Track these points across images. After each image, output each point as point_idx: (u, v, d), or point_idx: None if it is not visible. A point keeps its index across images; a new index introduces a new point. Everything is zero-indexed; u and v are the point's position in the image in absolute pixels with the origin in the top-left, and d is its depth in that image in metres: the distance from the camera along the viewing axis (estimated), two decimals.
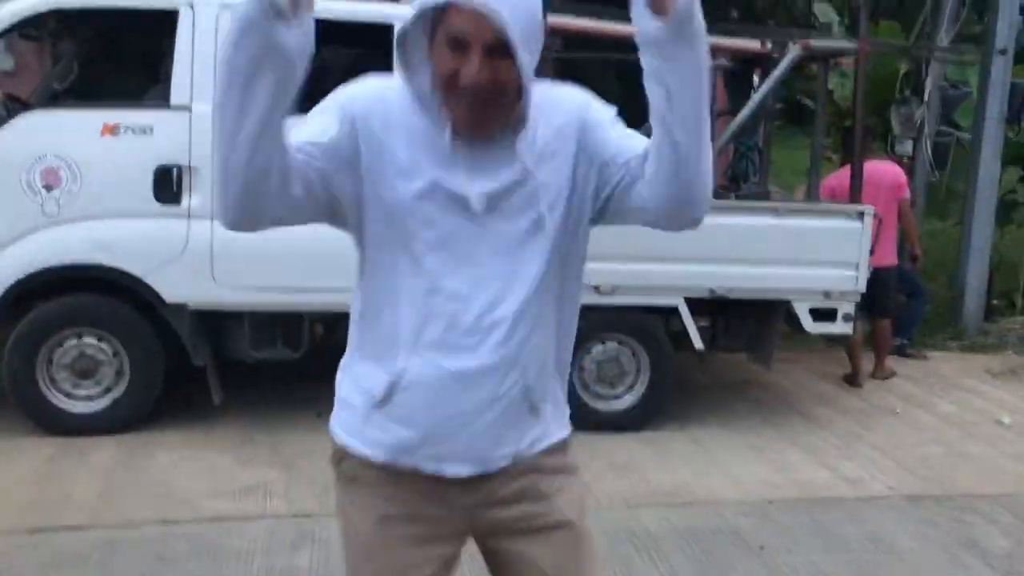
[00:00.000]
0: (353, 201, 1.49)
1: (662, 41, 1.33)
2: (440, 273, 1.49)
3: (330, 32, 4.96)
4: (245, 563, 3.42)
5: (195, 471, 4.23)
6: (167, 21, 4.48)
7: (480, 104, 1.42)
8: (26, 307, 4.57)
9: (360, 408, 1.57)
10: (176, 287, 4.51)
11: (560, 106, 1.54)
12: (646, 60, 1.38)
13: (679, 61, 1.35)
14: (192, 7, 4.47)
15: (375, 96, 1.51)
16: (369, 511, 1.60)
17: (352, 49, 5.86)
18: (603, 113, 1.56)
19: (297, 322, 4.73)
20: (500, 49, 1.37)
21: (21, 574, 3.27)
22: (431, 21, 1.42)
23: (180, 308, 4.53)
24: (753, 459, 4.75)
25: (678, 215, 1.48)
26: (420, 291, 1.49)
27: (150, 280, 4.48)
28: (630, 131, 1.55)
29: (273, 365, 5.05)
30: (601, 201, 1.55)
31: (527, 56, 1.39)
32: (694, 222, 1.49)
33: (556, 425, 1.66)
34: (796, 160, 11.66)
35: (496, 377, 1.51)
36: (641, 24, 1.34)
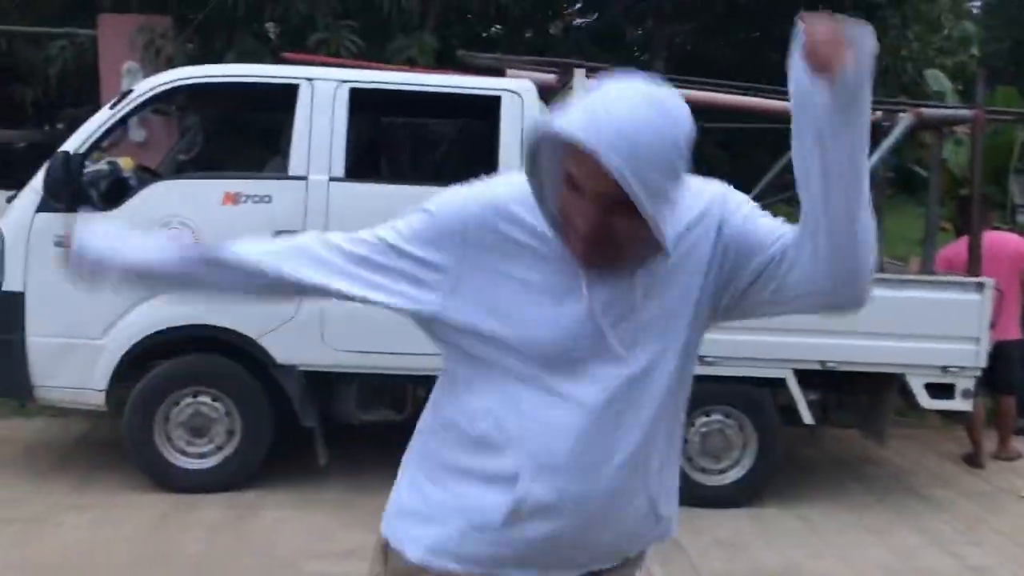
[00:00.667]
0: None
1: (825, 108, 1.19)
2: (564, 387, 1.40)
3: (429, 103, 5.15)
4: None
5: (298, 531, 4.29)
6: (287, 95, 4.70)
7: (599, 249, 1.29)
8: (147, 366, 4.77)
9: (458, 529, 1.43)
10: (287, 349, 4.64)
11: (698, 199, 1.40)
12: (802, 124, 1.24)
13: (841, 131, 1.21)
14: (311, 82, 4.68)
15: (484, 207, 1.40)
16: None
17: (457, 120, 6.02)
18: (744, 204, 1.44)
19: (402, 385, 4.80)
20: (621, 202, 1.21)
21: None
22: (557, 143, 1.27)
23: (291, 369, 4.66)
24: (869, 542, 4.52)
25: (843, 293, 1.33)
26: (541, 405, 1.38)
27: (263, 341, 4.63)
28: (772, 219, 1.43)
29: (375, 427, 5.12)
30: (738, 293, 1.42)
31: (658, 207, 1.22)
32: (859, 300, 1.34)
33: (674, 521, 1.57)
34: (909, 229, 11.32)
35: (625, 496, 1.43)
36: (799, 84, 1.22)
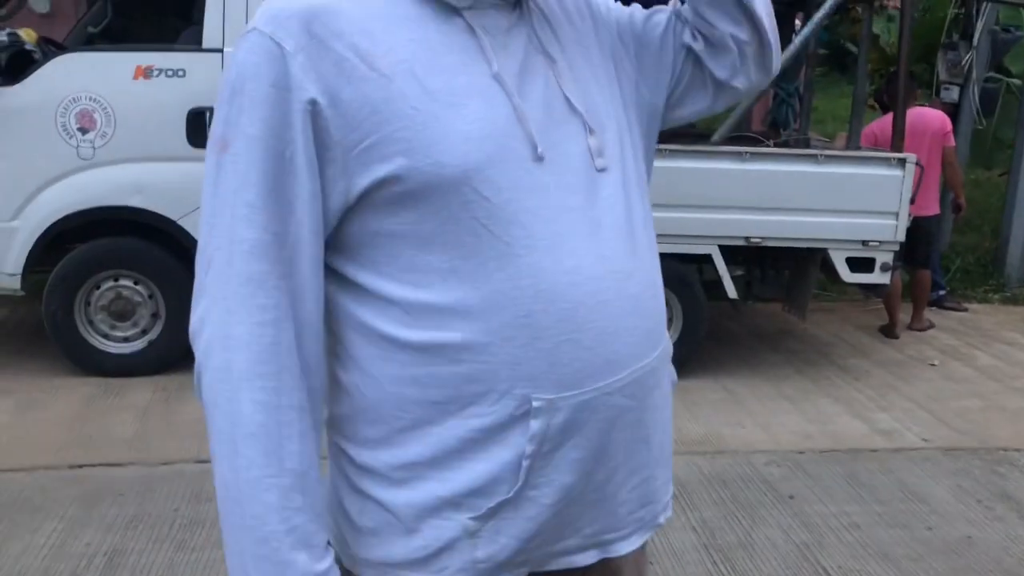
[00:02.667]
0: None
1: None
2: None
3: None
4: None
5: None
6: None
7: None
8: (63, 250, 4.63)
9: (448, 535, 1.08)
10: None
11: None
12: None
13: None
14: None
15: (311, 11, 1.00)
16: None
17: None
18: None
19: None
20: None
21: (62, 508, 3.35)
22: None
23: None
24: (785, 410, 4.72)
25: (753, 56, 1.24)
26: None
27: (184, 222, 4.51)
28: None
29: None
30: (669, 86, 1.25)
31: None
32: (770, 67, 1.26)
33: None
34: (839, 108, 11.43)
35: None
36: None
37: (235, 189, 0.99)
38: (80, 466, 3.70)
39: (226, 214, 1.00)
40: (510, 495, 1.06)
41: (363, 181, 1.01)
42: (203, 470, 3.69)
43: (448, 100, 1.01)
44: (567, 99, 1.10)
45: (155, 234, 4.57)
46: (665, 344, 1.20)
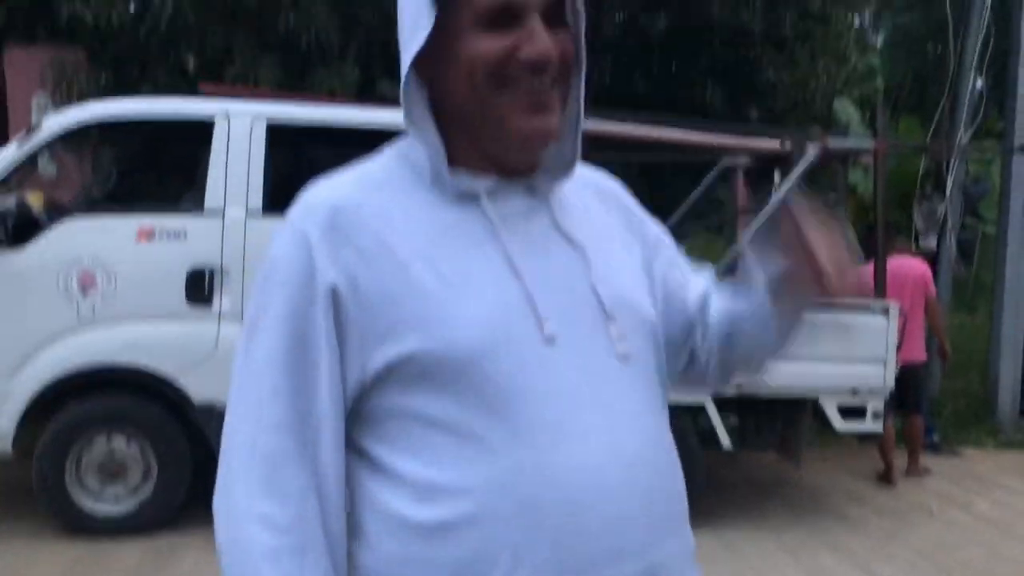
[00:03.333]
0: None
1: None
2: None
3: (350, 136, 5.14)
4: None
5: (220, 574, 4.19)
6: (204, 129, 4.66)
7: (546, 95, 1.06)
8: (58, 408, 4.63)
9: None
10: (205, 388, 4.55)
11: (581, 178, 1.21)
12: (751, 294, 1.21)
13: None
14: (228, 117, 4.65)
15: (344, 204, 1.08)
16: None
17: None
18: (649, 221, 1.29)
19: None
20: (557, 13, 1.06)
21: None
22: (442, 24, 1.04)
23: (209, 409, 4.57)
24: (786, 562, 4.63)
25: (719, 383, 1.33)
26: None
27: (181, 381, 4.54)
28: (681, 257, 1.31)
29: None
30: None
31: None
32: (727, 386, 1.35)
33: None
34: None
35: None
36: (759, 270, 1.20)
37: (261, 369, 1.05)
38: None
39: (252, 393, 1.05)
40: None
41: (378, 361, 1.05)
42: None
43: (460, 284, 1.05)
44: (592, 284, 1.12)
45: (151, 392, 4.59)
46: (684, 538, 1.15)
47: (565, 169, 1.16)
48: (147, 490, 4.64)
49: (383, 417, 1.07)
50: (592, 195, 1.23)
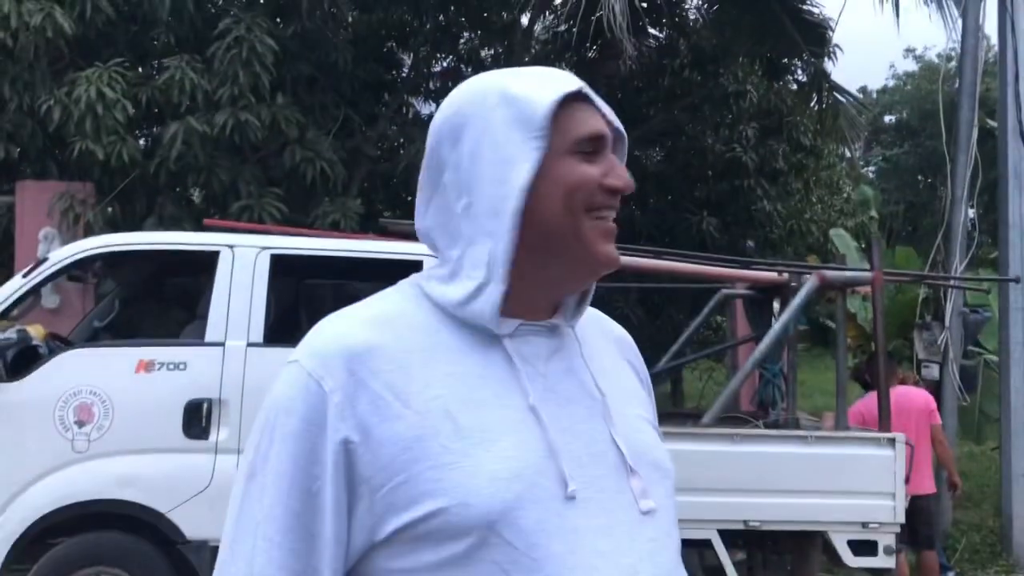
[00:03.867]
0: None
1: None
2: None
3: (352, 267, 5.18)
4: None
5: None
6: (207, 261, 4.71)
7: (613, 223, 1.09)
8: (50, 541, 4.50)
9: None
10: (198, 524, 4.44)
11: (600, 324, 1.22)
12: None
13: None
14: (232, 248, 4.70)
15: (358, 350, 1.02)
16: None
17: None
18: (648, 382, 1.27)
19: None
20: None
21: None
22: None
23: (201, 546, 4.45)
24: None
25: None
26: None
27: (173, 516, 4.43)
28: None
29: None
30: None
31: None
32: None
33: None
34: (826, 381, 11.62)
35: None
36: None
37: (258, 521, 0.99)
38: None
39: (247, 543, 0.99)
40: None
41: (391, 523, 0.98)
42: None
43: (480, 437, 0.99)
44: (612, 436, 1.07)
45: (141, 527, 4.48)
46: None
47: (578, 308, 1.14)
48: None
49: None
50: (611, 343, 1.21)
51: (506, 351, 1.05)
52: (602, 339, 1.19)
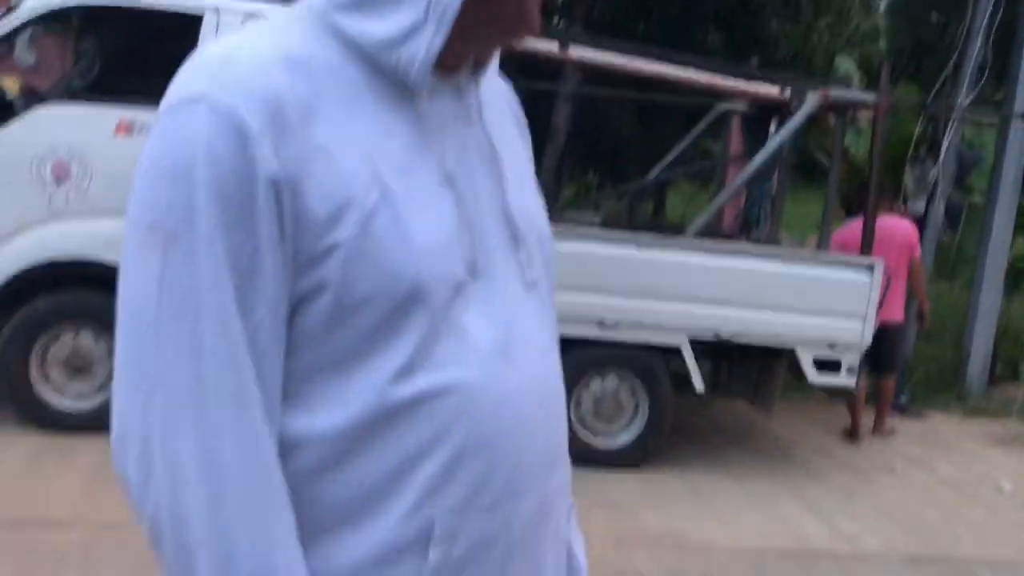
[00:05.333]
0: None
1: None
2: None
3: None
4: None
5: None
6: (192, 24, 4.49)
7: None
8: (26, 300, 4.53)
9: None
10: None
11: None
12: None
13: None
14: (218, 12, 4.48)
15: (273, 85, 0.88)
16: None
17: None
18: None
19: None
20: None
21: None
22: None
23: None
24: (748, 507, 4.66)
25: None
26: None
27: None
28: None
29: None
30: None
31: None
32: None
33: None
34: (806, 215, 11.67)
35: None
36: None
37: (195, 290, 0.85)
38: (22, 524, 3.54)
39: (185, 321, 0.85)
40: None
41: (303, 284, 0.89)
42: None
43: (405, 205, 0.92)
44: (505, 205, 1.03)
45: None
46: (567, 471, 1.10)
47: (479, 69, 1.03)
48: (111, 388, 4.56)
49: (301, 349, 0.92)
50: (499, 99, 1.12)
51: (419, 110, 0.96)
52: (493, 98, 1.09)
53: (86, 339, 4.53)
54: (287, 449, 0.91)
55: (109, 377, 4.53)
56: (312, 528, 0.92)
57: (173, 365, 0.85)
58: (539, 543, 1.05)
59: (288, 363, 0.91)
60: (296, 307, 0.90)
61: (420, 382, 0.92)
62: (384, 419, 0.92)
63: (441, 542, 0.94)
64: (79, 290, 4.53)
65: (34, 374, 4.49)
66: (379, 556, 0.93)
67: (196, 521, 0.85)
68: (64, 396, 4.55)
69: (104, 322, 4.52)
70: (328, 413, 0.91)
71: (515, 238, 1.03)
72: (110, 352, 4.54)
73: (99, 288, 4.51)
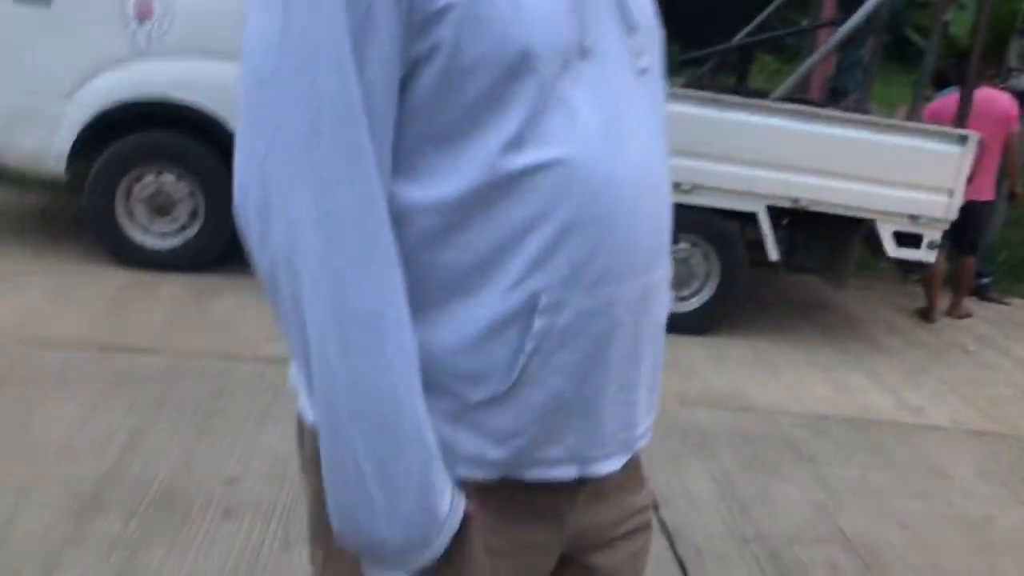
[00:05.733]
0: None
1: None
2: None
3: None
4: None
5: (257, 316, 4.30)
6: None
7: None
8: (111, 140, 4.63)
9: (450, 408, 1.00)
10: None
11: None
12: None
13: None
14: None
15: None
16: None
17: None
18: None
19: None
20: None
21: (88, 386, 3.38)
22: None
23: None
24: (814, 376, 4.66)
25: None
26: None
27: (232, 124, 4.48)
28: None
29: None
30: None
31: None
32: None
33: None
34: (896, 96, 11.17)
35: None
36: None
37: (315, 43, 0.86)
38: (109, 349, 3.72)
39: (305, 73, 0.86)
40: (501, 390, 0.98)
41: (417, 47, 0.89)
42: (227, 368, 3.71)
43: None
44: None
45: (202, 132, 4.56)
46: (669, 264, 1.11)
47: None
48: (193, 229, 4.70)
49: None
50: None
51: None
52: None
53: (168, 180, 4.63)
54: (398, 219, 0.92)
55: (190, 217, 4.68)
56: (422, 301, 0.95)
57: (292, 115, 0.86)
58: (640, 332, 1.06)
59: (400, 135, 0.92)
60: (409, 72, 0.90)
61: (529, 156, 0.93)
62: (493, 191, 0.93)
63: (545, 313, 0.96)
64: (162, 131, 4.60)
65: (120, 213, 4.63)
66: (486, 327, 0.96)
67: (310, 266, 0.87)
68: (147, 235, 4.69)
69: (185, 163, 4.62)
70: (438, 185, 0.92)
71: (628, 25, 1.02)
72: (191, 193, 4.65)
73: (180, 130, 4.59)
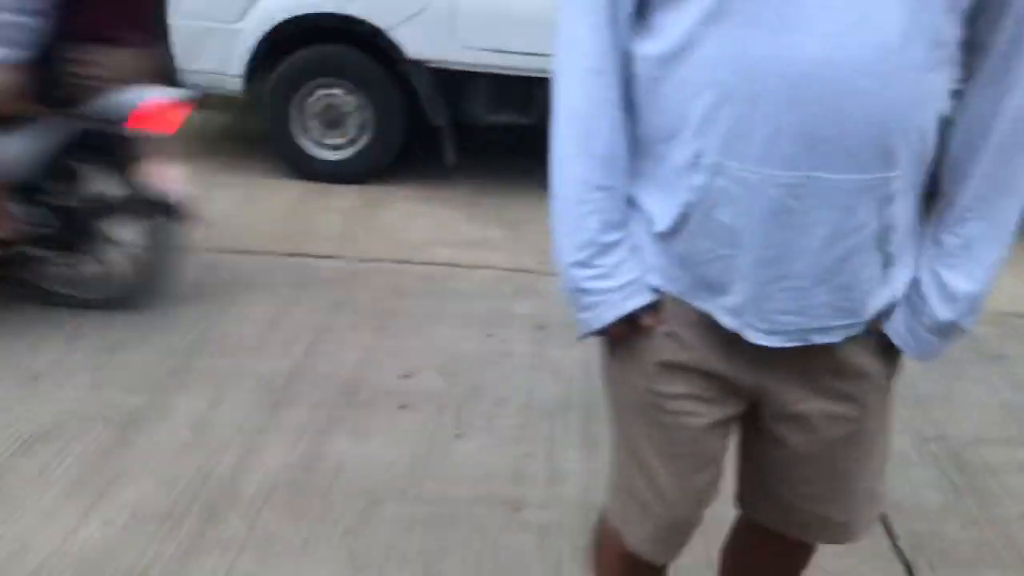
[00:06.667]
0: None
1: None
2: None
3: None
4: (469, 302, 3.61)
5: (427, 223, 4.44)
6: None
7: None
8: (285, 55, 4.79)
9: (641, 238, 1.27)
10: (418, 43, 4.57)
11: None
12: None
13: None
14: None
15: None
16: (648, 354, 1.29)
17: None
18: None
19: (531, 87, 4.68)
20: None
21: (276, 288, 3.62)
22: None
23: (420, 65, 4.61)
24: (1004, 272, 4.33)
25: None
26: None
27: (393, 34, 4.56)
28: None
29: (501, 133, 5.13)
30: None
31: None
32: None
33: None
34: None
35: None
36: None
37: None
38: (293, 255, 3.95)
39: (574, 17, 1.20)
40: (662, 229, 1.23)
41: None
42: (401, 269, 3.87)
43: None
44: None
45: (370, 46, 4.65)
46: (890, 178, 1.14)
47: None
48: (363, 141, 4.85)
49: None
50: None
51: None
52: None
53: (338, 94, 4.78)
54: (634, 63, 1.20)
55: (360, 131, 4.82)
56: (641, 148, 1.24)
57: (568, 32, 1.22)
58: (810, 225, 1.13)
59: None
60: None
61: (721, 28, 1.08)
62: (681, 54, 1.13)
63: (705, 171, 1.15)
64: (333, 46, 4.73)
65: (295, 127, 4.83)
66: (674, 170, 1.18)
67: (556, 138, 1.25)
68: (321, 148, 4.88)
69: (355, 78, 4.74)
70: (655, 43, 1.15)
71: None
72: (359, 107, 4.79)
73: (346, 44, 4.70)
